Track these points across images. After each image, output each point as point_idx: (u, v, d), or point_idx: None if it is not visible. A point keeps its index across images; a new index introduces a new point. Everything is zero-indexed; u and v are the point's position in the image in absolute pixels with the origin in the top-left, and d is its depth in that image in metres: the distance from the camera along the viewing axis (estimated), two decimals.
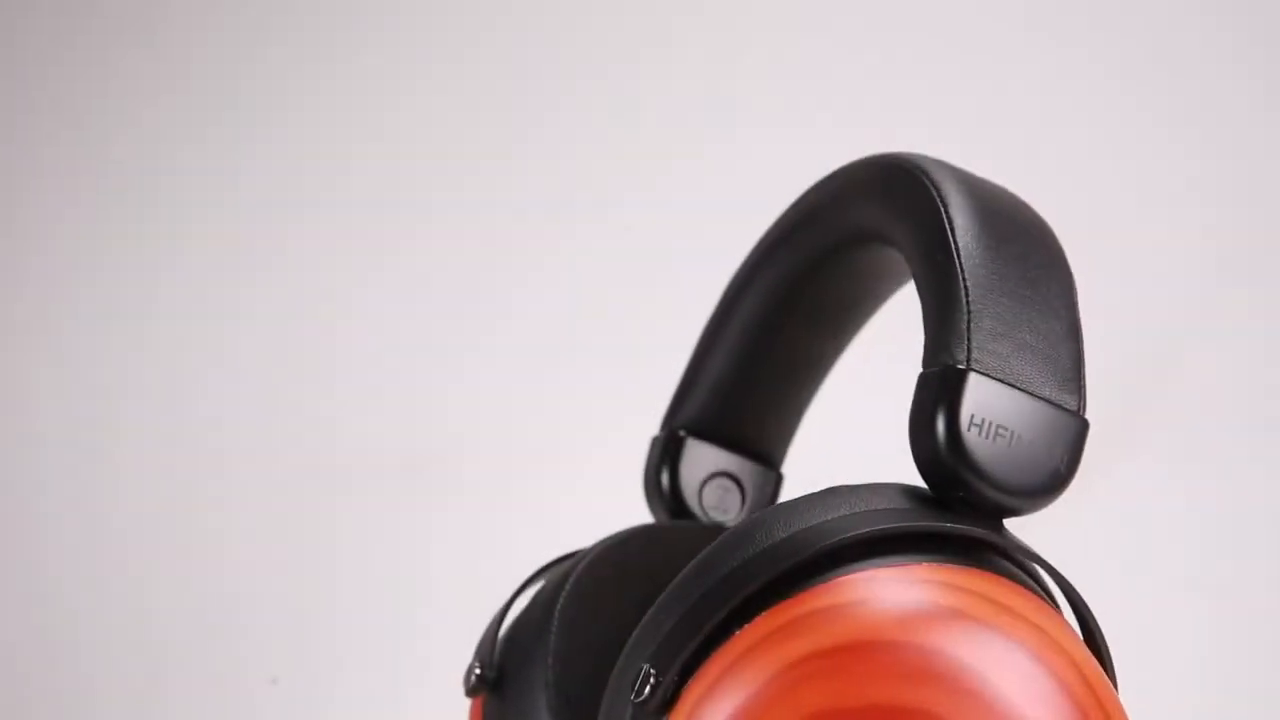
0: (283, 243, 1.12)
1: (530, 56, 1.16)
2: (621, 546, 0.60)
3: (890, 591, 0.49)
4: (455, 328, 1.10)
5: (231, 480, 1.06)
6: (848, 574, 0.49)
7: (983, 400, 0.50)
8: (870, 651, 0.48)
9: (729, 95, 1.14)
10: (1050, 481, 0.51)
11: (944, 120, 1.11)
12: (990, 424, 0.50)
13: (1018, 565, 0.52)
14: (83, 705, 0.97)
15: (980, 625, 0.48)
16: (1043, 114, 1.14)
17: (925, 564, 0.49)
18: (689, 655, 0.50)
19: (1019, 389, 0.51)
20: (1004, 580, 0.50)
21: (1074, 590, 0.52)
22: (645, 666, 0.50)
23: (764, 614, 0.49)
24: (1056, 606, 0.52)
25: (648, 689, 0.50)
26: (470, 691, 0.59)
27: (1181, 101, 1.13)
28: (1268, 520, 1.04)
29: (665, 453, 0.66)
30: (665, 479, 0.66)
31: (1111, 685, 0.51)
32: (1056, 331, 0.52)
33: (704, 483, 0.66)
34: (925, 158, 0.56)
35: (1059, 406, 0.51)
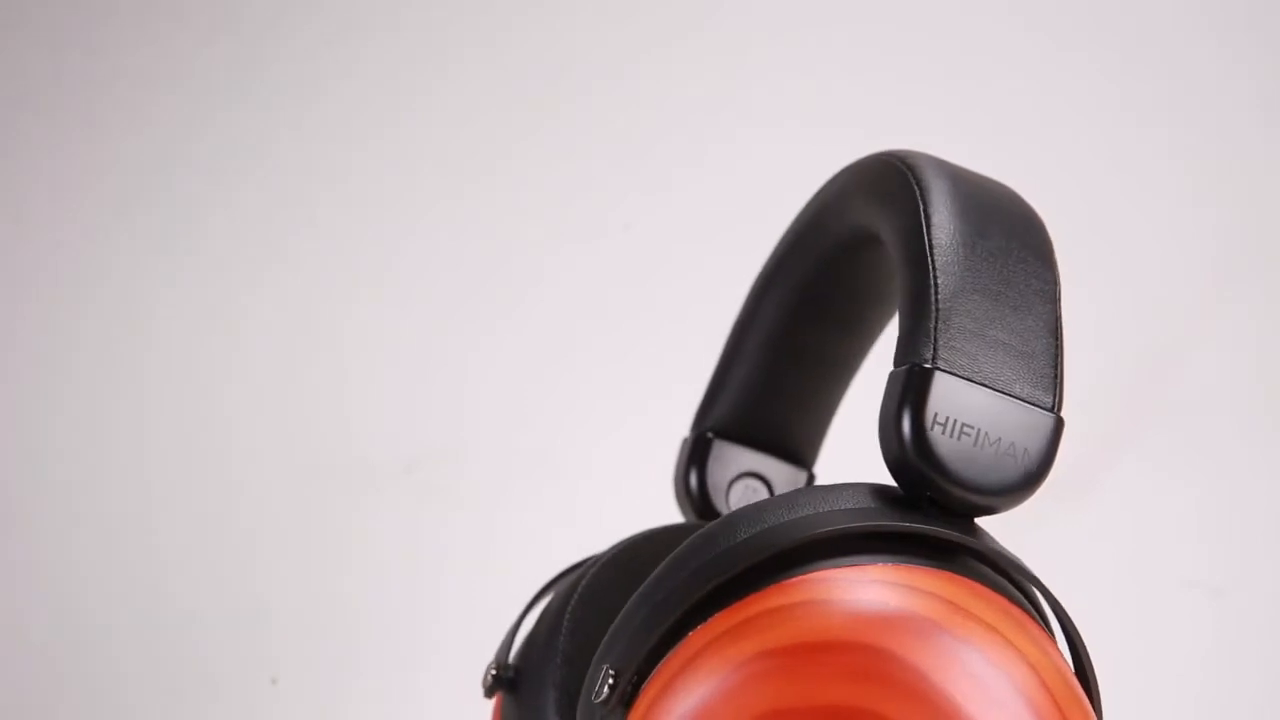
0: (289, 244, 1.12)
1: (530, 57, 1.16)
2: (633, 549, 0.60)
3: (841, 592, 0.48)
4: (460, 328, 1.10)
5: (237, 480, 1.06)
6: (802, 574, 0.49)
7: (948, 399, 0.50)
8: (817, 652, 0.47)
9: (731, 94, 1.15)
10: (1021, 480, 0.50)
11: (945, 121, 1.11)
12: (956, 423, 0.50)
13: (991, 565, 0.51)
14: (83, 704, 0.98)
15: (931, 626, 0.48)
16: (1043, 115, 1.14)
17: (880, 564, 0.49)
18: (646, 655, 0.50)
19: (987, 387, 0.51)
20: (964, 580, 0.50)
21: (1049, 592, 0.51)
22: (605, 667, 0.51)
23: (718, 614, 0.49)
24: (1028, 607, 0.51)
25: (606, 689, 0.50)
26: (487, 692, 0.60)
27: (1182, 101, 1.14)
28: (1268, 520, 1.04)
29: (693, 454, 0.67)
30: (694, 480, 0.67)
31: (1078, 688, 0.50)
32: (1032, 328, 0.52)
33: (731, 483, 0.66)
34: (919, 154, 0.56)
35: (1031, 404, 0.51)
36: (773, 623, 0.48)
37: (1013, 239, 0.53)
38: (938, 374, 0.50)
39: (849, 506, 0.50)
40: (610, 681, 0.50)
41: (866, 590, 0.48)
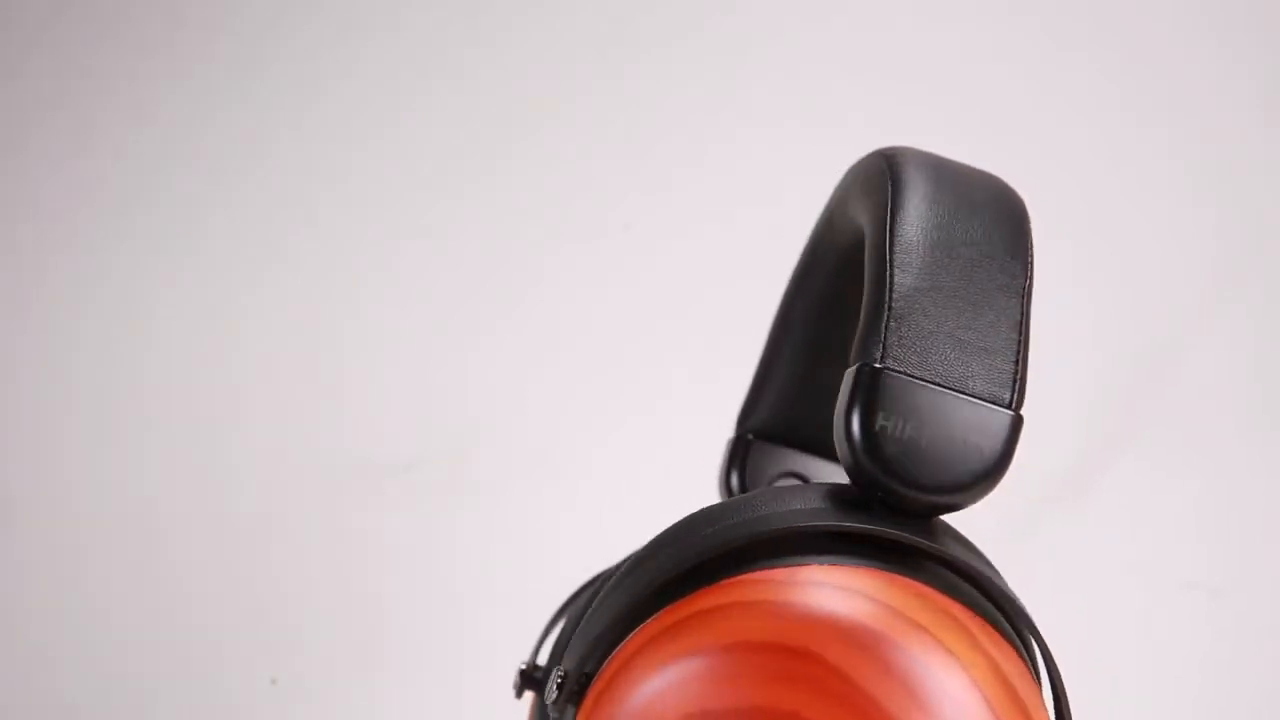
0: (289, 244, 1.12)
1: (530, 57, 1.16)
2: None
3: (772, 593, 0.48)
4: (460, 328, 1.10)
5: (238, 480, 1.06)
6: (739, 575, 0.49)
7: (896, 399, 0.49)
8: (741, 653, 0.47)
9: (731, 94, 1.15)
10: (972, 478, 0.49)
11: (945, 121, 1.10)
12: (903, 422, 0.49)
13: (945, 566, 0.50)
14: (84, 704, 0.98)
15: (858, 627, 0.47)
16: (1043, 115, 1.14)
17: (814, 565, 0.49)
18: (595, 654, 0.50)
19: (939, 386, 0.50)
20: (903, 581, 0.49)
21: (1006, 593, 0.50)
22: (556, 667, 0.51)
23: (660, 613, 0.49)
24: (983, 608, 0.50)
25: (555, 689, 0.50)
26: (516, 692, 0.60)
27: (1182, 102, 1.14)
28: (1268, 520, 1.04)
29: (733, 455, 0.67)
30: (734, 481, 0.67)
31: (1022, 690, 0.48)
32: (992, 325, 0.51)
33: (771, 483, 0.67)
34: (905, 150, 0.55)
35: (987, 401, 0.50)
36: (703, 623, 0.48)
37: (984, 233, 0.52)
38: (885, 373, 0.50)
39: (800, 507, 0.50)
40: (559, 680, 0.50)
41: (796, 591, 0.48)
